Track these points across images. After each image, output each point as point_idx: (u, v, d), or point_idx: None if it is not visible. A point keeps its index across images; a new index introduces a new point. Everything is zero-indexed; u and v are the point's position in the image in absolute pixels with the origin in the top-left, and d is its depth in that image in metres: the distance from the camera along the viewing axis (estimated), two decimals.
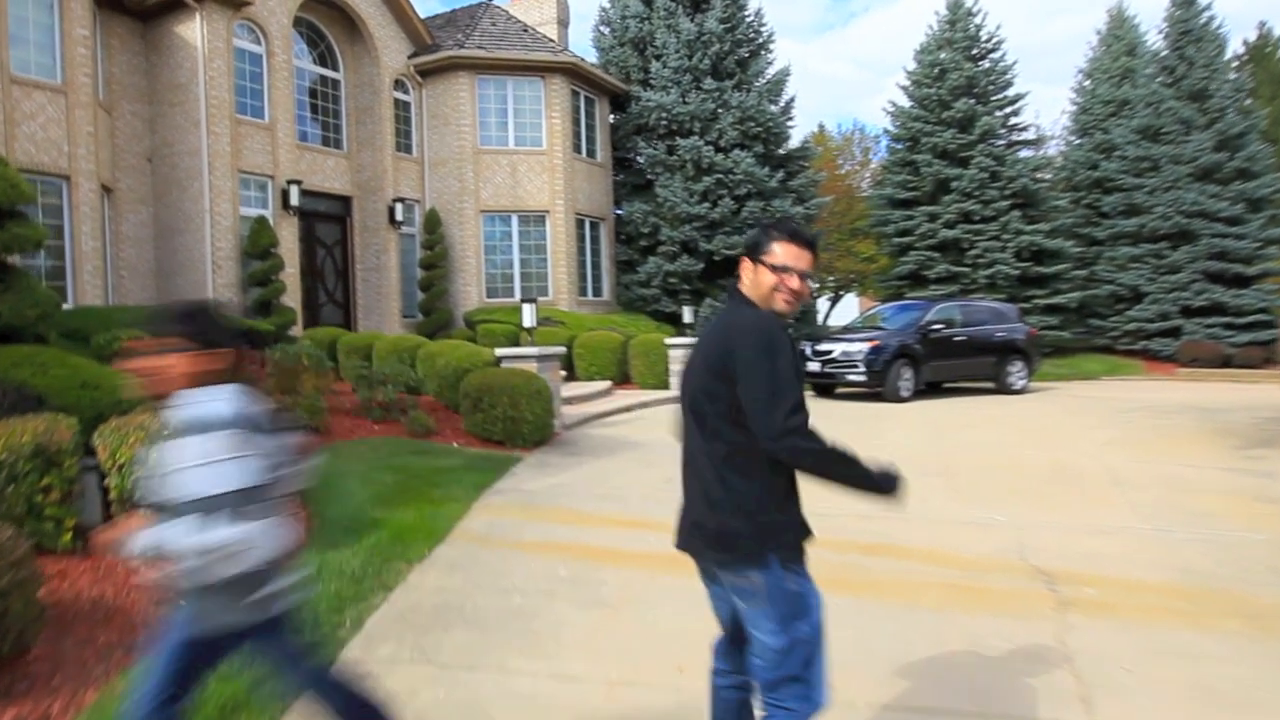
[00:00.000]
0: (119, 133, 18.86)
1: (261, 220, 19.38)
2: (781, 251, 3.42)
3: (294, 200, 20.53)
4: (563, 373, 20.59)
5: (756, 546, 3.31)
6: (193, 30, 18.73)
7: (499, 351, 14.95)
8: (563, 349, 15.76)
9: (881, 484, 3.37)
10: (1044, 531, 8.43)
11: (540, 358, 14.68)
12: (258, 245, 19.13)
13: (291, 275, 20.46)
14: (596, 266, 28.07)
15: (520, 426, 12.88)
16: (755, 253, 3.47)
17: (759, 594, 3.33)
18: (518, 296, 25.17)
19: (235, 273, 19.20)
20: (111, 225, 18.51)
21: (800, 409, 3.21)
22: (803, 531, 3.48)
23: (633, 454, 12.80)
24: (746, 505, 3.32)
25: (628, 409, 18.10)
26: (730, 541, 3.34)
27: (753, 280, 3.47)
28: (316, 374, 12.77)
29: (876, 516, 6.47)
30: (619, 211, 29.19)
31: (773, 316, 3.40)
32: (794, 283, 3.41)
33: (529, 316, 15.12)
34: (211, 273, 18.64)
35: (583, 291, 27.06)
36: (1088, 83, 37.65)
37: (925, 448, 13.27)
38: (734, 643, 3.71)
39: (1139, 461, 12.04)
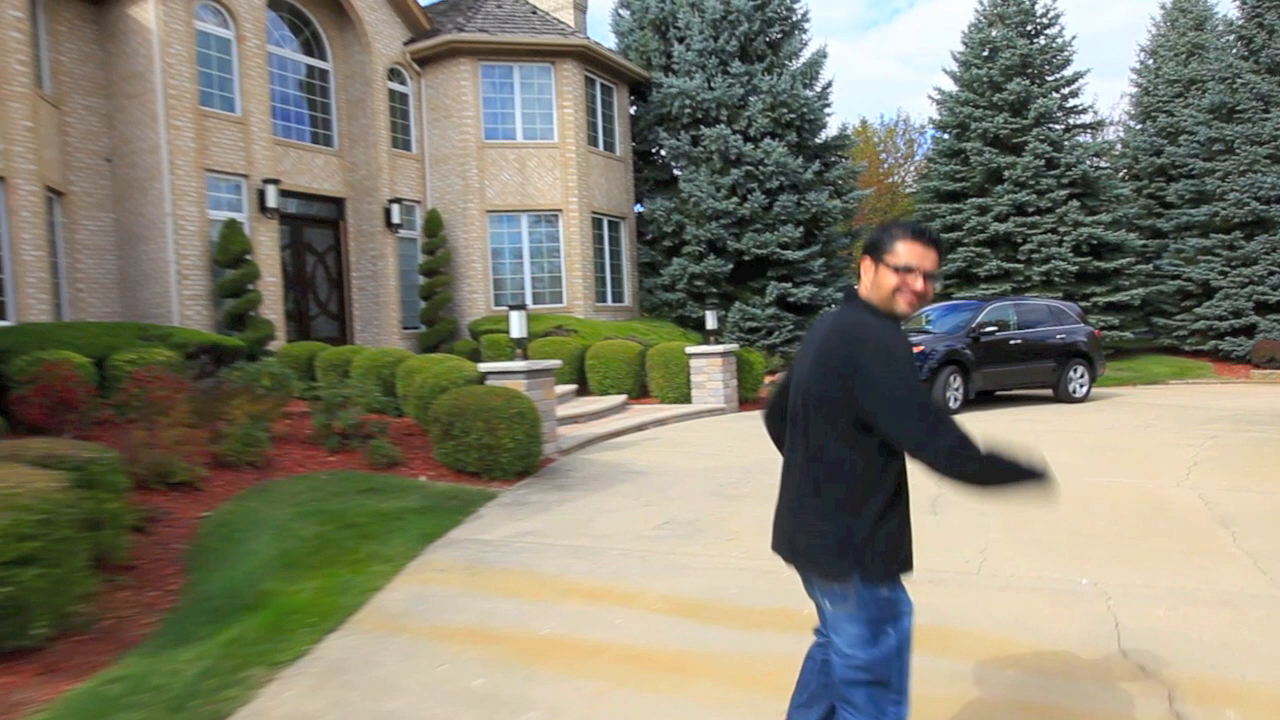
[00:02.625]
0: (71, 130, 16.90)
1: (232, 224, 17.29)
2: (905, 251, 3.29)
3: (271, 201, 18.47)
4: (573, 387, 18.76)
5: (843, 562, 3.20)
6: (146, 11, 16.74)
7: (482, 367, 12.82)
8: (558, 363, 13.63)
9: (1036, 477, 3.16)
10: (1143, 602, 6.17)
11: (530, 373, 12.55)
12: (228, 252, 17.07)
13: (272, 284, 18.44)
14: (617, 270, 25.86)
15: (498, 455, 10.77)
16: (876, 252, 3.35)
17: (848, 601, 3.22)
18: (529, 303, 23.18)
19: (205, 283, 17.17)
20: (65, 233, 16.57)
21: (948, 416, 3.06)
22: (900, 552, 3.28)
23: (632, 486, 10.68)
24: (840, 518, 3.22)
25: (641, 427, 16.05)
26: (816, 554, 3.27)
27: (873, 281, 3.34)
28: (258, 397, 10.70)
29: (924, 582, 5.84)
30: (641, 210, 27.03)
31: (895, 326, 3.28)
32: (918, 284, 3.28)
33: (518, 326, 12.95)
34: (176, 283, 16.64)
35: (601, 297, 24.87)
36: (1151, 62, 35.03)
37: None
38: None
39: (1241, 491, 9.67)
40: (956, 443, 3.01)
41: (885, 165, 45.43)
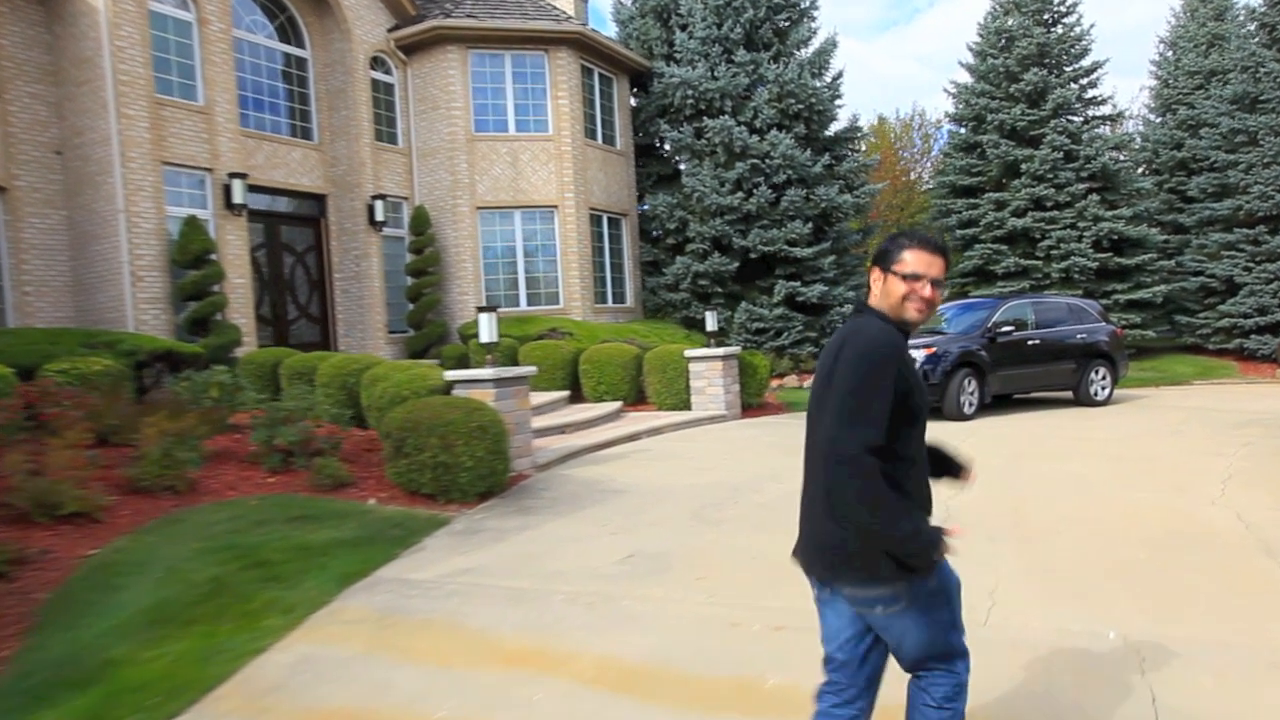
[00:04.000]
0: (14, 120, 15.74)
1: (192, 221, 16.12)
2: (912, 259, 3.33)
3: (238, 197, 17.29)
4: (565, 394, 17.65)
5: (877, 569, 3.17)
6: None
7: (448, 374, 11.69)
8: (531, 369, 12.53)
9: (915, 555, 3.12)
10: (1183, 666, 4.98)
11: (499, 382, 11.42)
12: (187, 252, 15.93)
13: (240, 286, 17.32)
14: (618, 269, 24.71)
15: (456, 475, 9.62)
16: (885, 262, 3.38)
17: (900, 601, 3.20)
18: (523, 305, 22.15)
19: (163, 285, 16.02)
20: (8, 231, 15.47)
21: (865, 436, 3.02)
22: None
23: (605, 509, 9.56)
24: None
25: (633, 437, 14.94)
26: (849, 567, 3.24)
27: (883, 290, 3.38)
28: (180, 413, 9.60)
29: None
30: (644, 207, 25.87)
31: (894, 334, 3.29)
32: (926, 291, 3.32)
33: (487, 329, 11.82)
34: (130, 286, 15.49)
35: (601, 298, 23.72)
36: (1170, 54, 33.87)
37: (990, 489, 9.61)
38: (857, 664, 3.47)
39: None
40: (855, 460, 3.00)
41: (902, 161, 44.32)
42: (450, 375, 11.63)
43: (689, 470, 11.80)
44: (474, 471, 9.67)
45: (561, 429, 14.97)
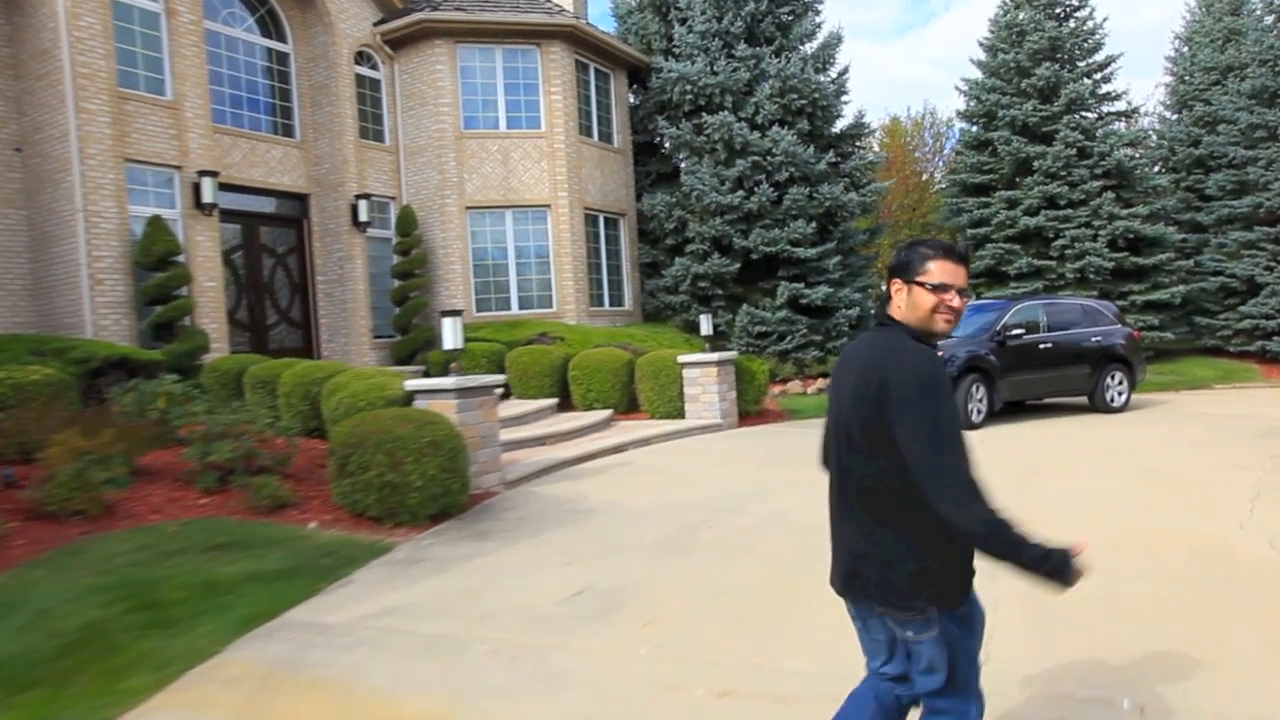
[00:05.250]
0: None
1: (156, 221, 15.26)
2: (938, 270, 3.23)
3: (208, 196, 16.43)
4: (553, 401, 16.84)
5: (921, 595, 3.14)
6: None
7: (408, 384, 10.85)
8: (500, 378, 11.61)
9: (1052, 571, 3.11)
10: None
11: (462, 392, 10.58)
12: (150, 253, 15.09)
13: (210, 289, 16.49)
14: (615, 271, 23.83)
15: (404, 496, 8.80)
16: (908, 274, 3.27)
17: (930, 628, 3.16)
18: (515, 309, 21.31)
19: (125, 288, 15.19)
20: None
21: (965, 455, 3.01)
22: (966, 577, 3.30)
23: (568, 533, 8.75)
24: (912, 550, 3.15)
25: (619, 449, 14.15)
26: (890, 589, 3.17)
27: (908, 302, 3.26)
28: (92, 429, 8.79)
29: None
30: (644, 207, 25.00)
31: (934, 354, 3.19)
32: (955, 301, 3.24)
33: (450, 335, 10.97)
34: (89, 289, 14.66)
35: (597, 301, 22.85)
36: (1186, 49, 32.93)
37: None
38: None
39: None
40: (972, 503, 2.97)
41: (914, 162, 43.55)
42: (411, 385, 10.81)
43: (671, 487, 10.98)
44: (425, 492, 8.84)
45: (543, 440, 14.19)
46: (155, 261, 15.12)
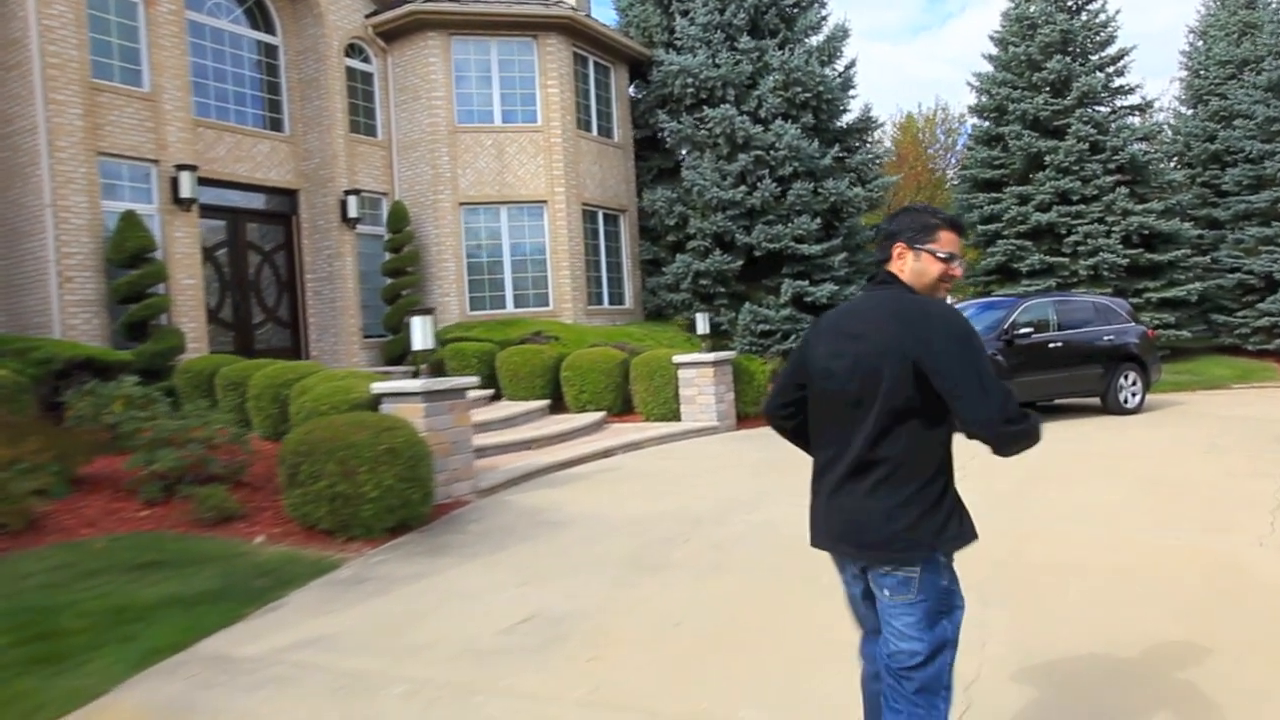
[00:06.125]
0: None
1: (129, 217, 14.72)
2: (947, 239, 3.35)
3: (186, 191, 15.91)
4: (545, 403, 16.34)
5: (917, 542, 3.15)
6: None
7: (375, 387, 10.31)
8: (472, 380, 11.08)
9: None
10: None
11: (429, 395, 10.05)
12: (123, 250, 14.57)
13: (189, 287, 15.98)
14: (615, 269, 23.25)
15: (358, 508, 8.26)
16: (918, 241, 3.34)
17: (910, 589, 3.17)
18: (510, 307, 20.76)
19: (97, 286, 14.69)
20: None
21: (1010, 393, 3.07)
22: (963, 532, 3.26)
23: (532, 549, 8.21)
24: (906, 503, 3.14)
25: (607, 453, 13.64)
26: (879, 540, 3.17)
27: (915, 269, 3.34)
28: (16, 437, 8.29)
29: None
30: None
31: (951, 306, 3.30)
32: (958, 271, 3.38)
33: (420, 335, 10.42)
34: (57, 286, 14.16)
35: (596, 299, 22.28)
36: (1201, 43, 32.27)
37: (991, 523, 7.99)
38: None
39: None
40: (1016, 420, 3.03)
41: (928, 159, 43.09)
42: (378, 388, 10.28)
43: (654, 495, 10.44)
44: (380, 503, 8.30)
45: (529, 444, 13.67)
46: (128, 258, 14.61)
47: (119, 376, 11.64)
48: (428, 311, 10.64)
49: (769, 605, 6.31)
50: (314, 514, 8.35)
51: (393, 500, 8.40)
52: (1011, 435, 3.03)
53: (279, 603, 6.67)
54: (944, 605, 3.20)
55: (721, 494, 10.28)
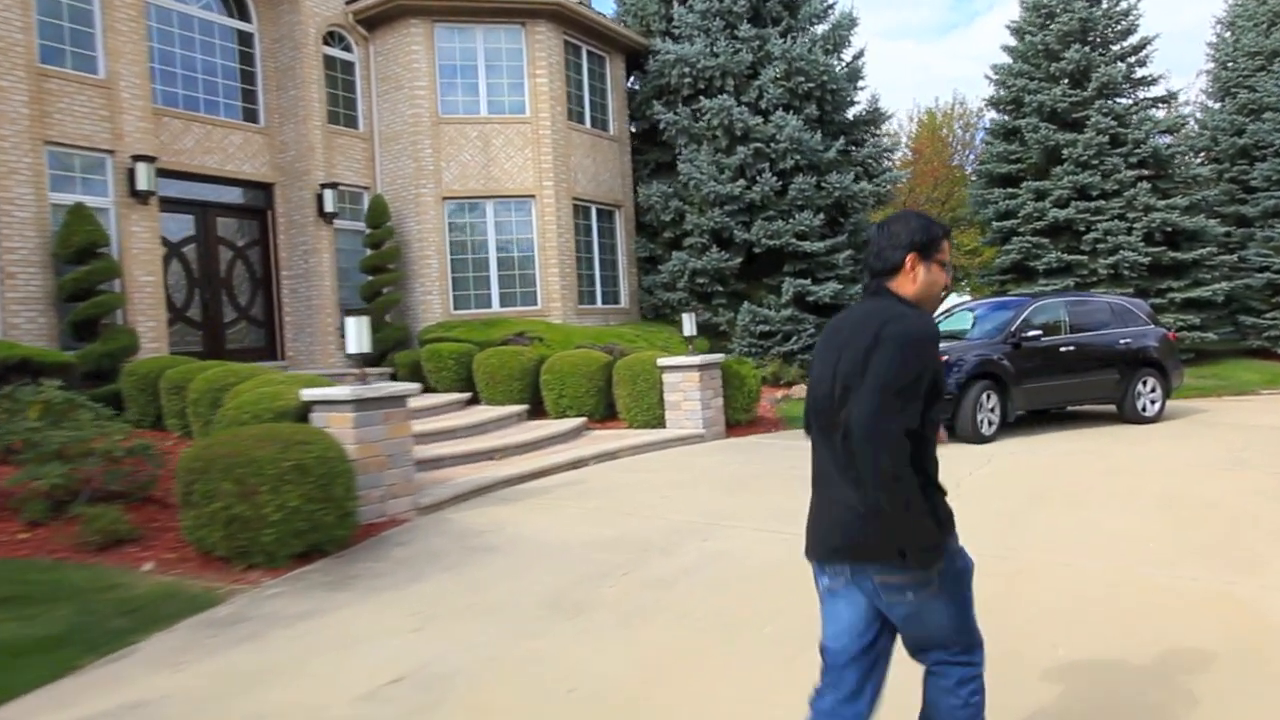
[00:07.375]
0: None
1: (78, 209, 13.89)
2: (947, 248, 3.37)
3: (143, 184, 15.07)
4: (523, 408, 15.47)
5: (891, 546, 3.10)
6: None
7: (305, 393, 9.41)
8: (414, 387, 10.20)
9: (924, 556, 3.03)
10: None
11: (361, 404, 9.15)
12: (69, 244, 13.74)
13: (147, 284, 15.17)
14: (609, 266, 22.33)
15: (258, 532, 7.35)
16: (929, 252, 3.31)
17: (930, 585, 3.14)
18: (495, 305, 19.90)
19: (45, 283, 13.87)
20: None
21: (904, 420, 2.98)
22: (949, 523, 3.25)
23: (448, 581, 7.33)
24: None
25: (577, 464, 12.75)
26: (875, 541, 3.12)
27: (927, 280, 3.30)
28: None
29: None
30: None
31: (935, 325, 3.22)
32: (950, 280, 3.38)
33: (354, 338, 9.52)
34: None
35: (588, 298, 21.38)
36: (1229, 34, 31.05)
37: (986, 552, 6.93)
38: (863, 653, 3.31)
39: None
40: (886, 440, 2.93)
41: (946, 154, 42.20)
42: (307, 395, 9.38)
43: (607, 515, 9.52)
44: (284, 527, 7.39)
45: (493, 454, 12.78)
46: (74, 253, 13.78)
47: (62, 379, 10.81)
48: (365, 313, 9.77)
49: (698, 663, 5.37)
50: (209, 539, 7.46)
51: (299, 524, 7.49)
52: (867, 455, 2.94)
53: (128, 650, 5.76)
54: (962, 576, 3.32)
55: (681, 515, 9.34)
